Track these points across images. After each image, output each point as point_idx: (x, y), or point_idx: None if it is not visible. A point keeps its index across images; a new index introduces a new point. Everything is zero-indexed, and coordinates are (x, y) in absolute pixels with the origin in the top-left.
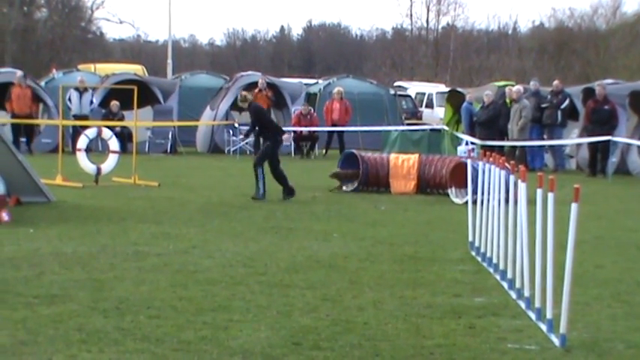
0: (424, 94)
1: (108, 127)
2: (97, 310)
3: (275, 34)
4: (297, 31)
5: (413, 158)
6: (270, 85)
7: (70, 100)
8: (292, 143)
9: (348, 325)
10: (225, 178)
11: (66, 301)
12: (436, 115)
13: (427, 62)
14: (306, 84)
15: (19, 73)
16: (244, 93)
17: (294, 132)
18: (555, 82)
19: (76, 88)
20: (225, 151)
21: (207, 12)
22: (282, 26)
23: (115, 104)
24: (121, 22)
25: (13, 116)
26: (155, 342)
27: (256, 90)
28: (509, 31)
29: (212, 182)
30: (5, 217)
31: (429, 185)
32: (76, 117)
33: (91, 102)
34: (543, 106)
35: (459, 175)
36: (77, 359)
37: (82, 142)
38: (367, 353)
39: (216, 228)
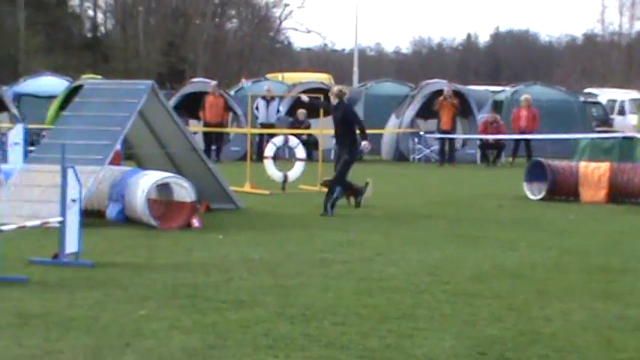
0: (615, 101)
1: (294, 135)
2: (284, 315)
3: (461, 42)
4: (484, 38)
5: (603, 167)
6: (456, 93)
7: (257, 108)
8: (478, 151)
9: (534, 336)
10: (409, 185)
11: (253, 307)
12: (629, 123)
13: (620, 68)
14: (492, 91)
15: (214, 82)
16: (340, 88)
17: (480, 140)
18: None
19: (263, 97)
20: (410, 159)
21: (394, 20)
22: (469, 34)
23: (301, 112)
24: (308, 32)
25: (206, 125)
26: (340, 348)
27: (441, 97)
28: None
29: (397, 190)
30: (196, 223)
31: (621, 194)
32: (263, 125)
33: (278, 110)
34: None
35: None
36: None
37: (270, 150)
38: None
39: (401, 236)
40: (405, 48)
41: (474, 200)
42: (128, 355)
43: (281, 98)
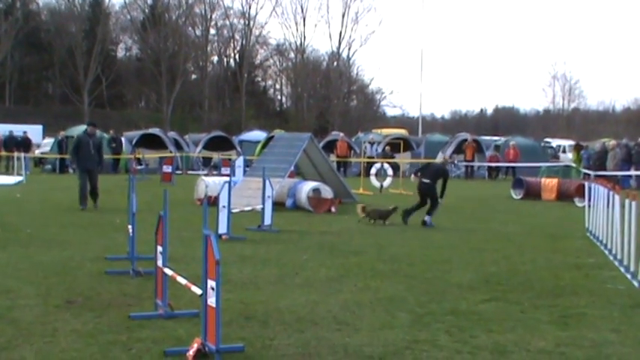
0: (561, 145)
1: (387, 162)
2: (380, 260)
3: (476, 113)
4: (490, 109)
5: (554, 181)
6: (475, 140)
7: (365, 149)
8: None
9: (516, 273)
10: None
11: (359, 254)
12: (567, 157)
13: (562, 127)
14: (494, 140)
15: (341, 134)
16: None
17: (489, 166)
18: None
19: (369, 142)
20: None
21: (440, 96)
22: (482, 108)
23: (388, 149)
24: (394, 107)
25: (337, 156)
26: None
27: (466, 142)
28: None
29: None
30: (333, 209)
31: (563, 196)
32: (369, 157)
33: (376, 150)
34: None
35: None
36: None
37: (374, 170)
38: None
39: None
40: (447, 114)
41: (486, 200)
42: (289, 280)
43: (379, 143)
